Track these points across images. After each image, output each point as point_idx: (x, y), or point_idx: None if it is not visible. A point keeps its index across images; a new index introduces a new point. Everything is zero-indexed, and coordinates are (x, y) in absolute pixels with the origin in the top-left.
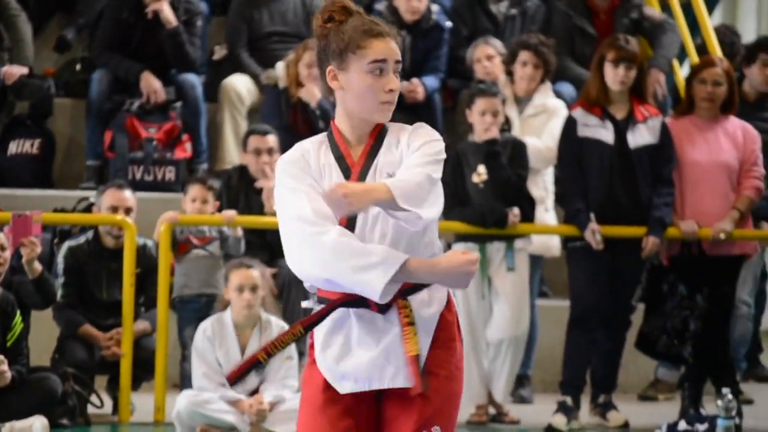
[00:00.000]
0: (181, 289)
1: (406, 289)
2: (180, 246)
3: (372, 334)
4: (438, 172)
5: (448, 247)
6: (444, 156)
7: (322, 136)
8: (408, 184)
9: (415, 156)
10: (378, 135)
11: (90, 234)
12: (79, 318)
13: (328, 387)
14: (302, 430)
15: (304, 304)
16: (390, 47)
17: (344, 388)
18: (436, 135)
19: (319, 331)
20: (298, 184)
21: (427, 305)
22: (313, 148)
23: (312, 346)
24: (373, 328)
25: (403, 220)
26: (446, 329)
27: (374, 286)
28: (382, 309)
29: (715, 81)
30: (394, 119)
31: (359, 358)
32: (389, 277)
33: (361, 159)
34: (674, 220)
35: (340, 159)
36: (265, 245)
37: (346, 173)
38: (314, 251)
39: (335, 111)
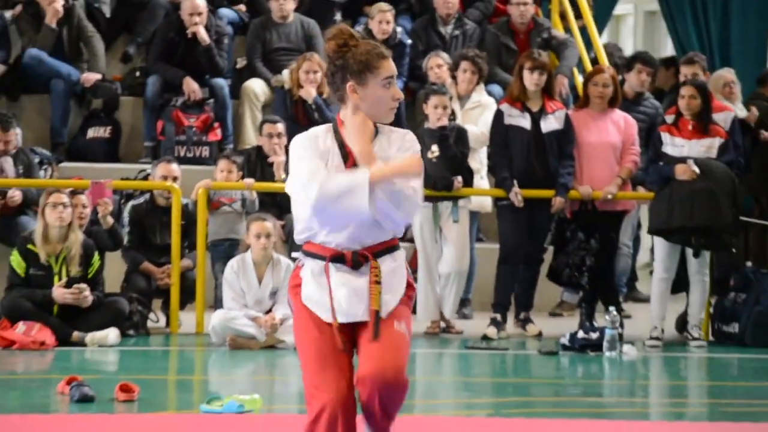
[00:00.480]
0: (213, 236)
1: (376, 252)
2: (213, 204)
3: (348, 282)
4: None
5: None
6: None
7: (328, 126)
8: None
9: None
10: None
11: (147, 196)
12: (140, 257)
13: (312, 313)
14: (300, 340)
15: (294, 254)
16: (392, 65)
17: (328, 318)
18: (417, 145)
19: (306, 277)
20: (306, 155)
21: (393, 275)
22: (321, 134)
23: (296, 286)
24: (349, 277)
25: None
26: (409, 292)
27: (360, 209)
28: (355, 265)
29: (604, 83)
30: None
31: (339, 298)
32: (366, 198)
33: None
34: (574, 185)
35: (341, 146)
36: (275, 204)
37: (345, 159)
38: (309, 198)
39: (340, 110)
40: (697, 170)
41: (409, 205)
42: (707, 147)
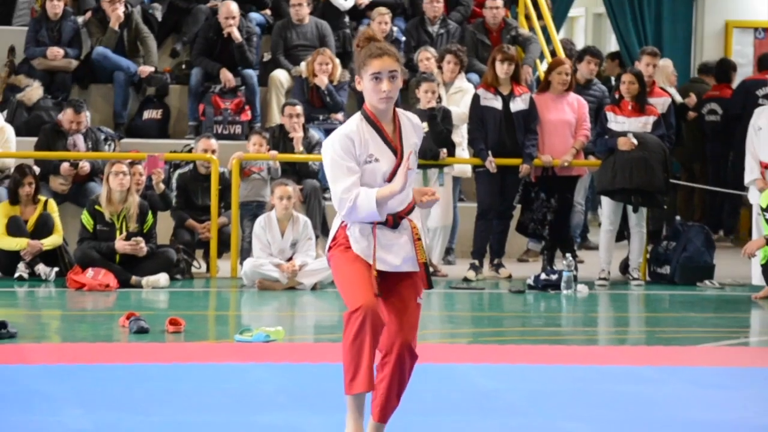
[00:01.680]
0: (243, 198)
1: (407, 212)
2: (245, 172)
3: (390, 239)
4: None
5: None
6: None
7: (357, 116)
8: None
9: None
10: (398, 119)
11: (191, 166)
12: (185, 215)
13: (358, 257)
14: (342, 264)
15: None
16: (383, 62)
17: (378, 266)
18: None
19: (352, 234)
20: (340, 172)
21: (420, 229)
22: (355, 128)
23: (339, 243)
24: (392, 236)
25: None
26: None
27: (374, 216)
28: (395, 226)
29: (566, 72)
30: None
31: (383, 253)
32: (376, 210)
33: (397, 140)
34: (538, 155)
35: (379, 132)
36: (295, 171)
37: (394, 152)
38: (343, 208)
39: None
40: (635, 142)
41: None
42: (644, 123)
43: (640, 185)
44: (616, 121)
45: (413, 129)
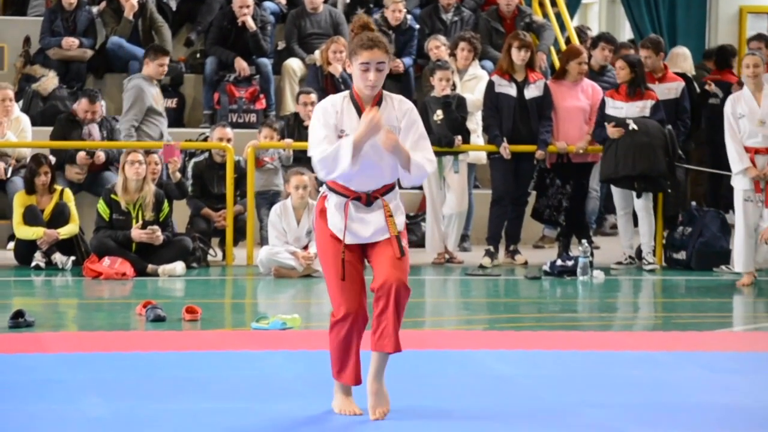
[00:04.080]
0: (258, 188)
1: (383, 193)
2: (258, 162)
3: (363, 214)
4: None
5: None
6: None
7: (345, 93)
8: (422, 170)
9: (417, 136)
10: (379, 100)
11: (206, 154)
12: (201, 204)
13: (334, 235)
14: (323, 255)
15: (321, 189)
16: (373, 54)
17: (347, 239)
18: (414, 111)
19: (329, 207)
20: (318, 124)
21: (397, 209)
22: (338, 101)
23: (322, 211)
24: (363, 211)
25: (403, 173)
26: (405, 223)
27: (345, 163)
28: (368, 203)
29: (584, 61)
30: (387, 86)
31: (355, 226)
32: (349, 158)
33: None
34: (552, 141)
35: (357, 108)
36: (309, 159)
37: (359, 115)
38: (319, 158)
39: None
40: (622, 131)
41: (418, 171)
42: (641, 108)
43: (643, 170)
44: (614, 107)
45: (396, 111)
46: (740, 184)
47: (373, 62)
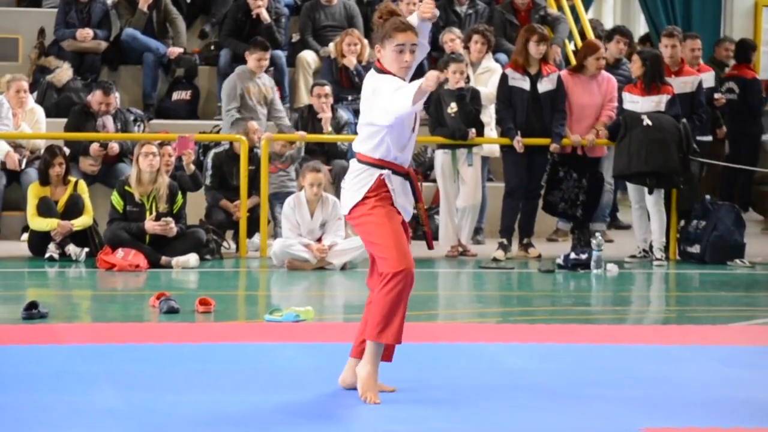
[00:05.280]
0: (272, 189)
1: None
2: (271, 169)
3: (404, 189)
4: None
5: (432, 152)
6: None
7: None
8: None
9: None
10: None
11: (227, 145)
12: (219, 195)
13: (395, 214)
14: (383, 221)
15: (352, 161)
16: (407, 36)
17: (406, 217)
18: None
19: (393, 186)
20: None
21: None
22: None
23: (380, 195)
24: (404, 185)
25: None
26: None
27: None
28: (405, 176)
29: (602, 57)
30: None
31: (401, 200)
32: (411, 98)
33: None
34: (567, 134)
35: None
36: (323, 152)
37: None
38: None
39: (378, 64)
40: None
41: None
42: (656, 102)
43: (655, 167)
44: (631, 101)
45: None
46: None
47: (408, 44)
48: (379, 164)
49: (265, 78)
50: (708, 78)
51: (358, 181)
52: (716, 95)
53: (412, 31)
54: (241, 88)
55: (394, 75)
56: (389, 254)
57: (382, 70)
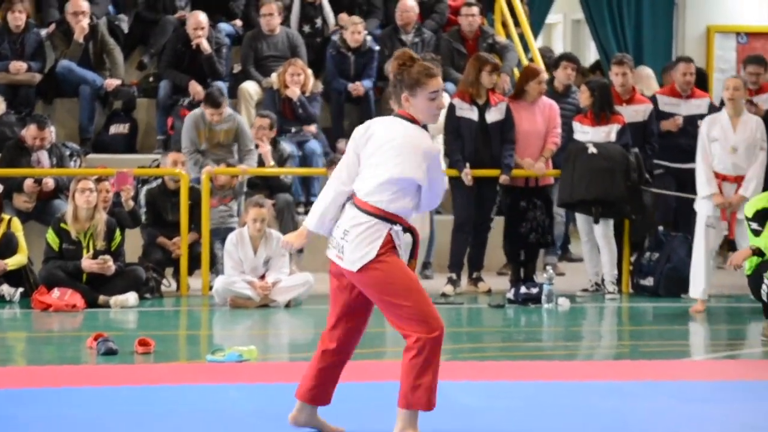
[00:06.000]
0: (213, 225)
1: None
2: (212, 203)
3: (407, 247)
4: None
5: None
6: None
7: (393, 116)
8: None
9: None
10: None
11: (159, 181)
12: (155, 232)
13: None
14: (408, 278)
15: (350, 209)
16: (439, 81)
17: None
18: None
19: (402, 240)
20: (350, 149)
21: None
22: (384, 122)
23: (392, 248)
24: (407, 244)
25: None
26: None
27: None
28: (412, 233)
29: (545, 81)
30: (346, 110)
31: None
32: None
33: None
34: (517, 163)
35: None
36: (266, 186)
37: None
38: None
39: (402, 108)
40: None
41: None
42: (606, 133)
43: (598, 195)
44: (582, 131)
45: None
46: (704, 209)
47: (440, 90)
48: (392, 219)
49: (224, 124)
50: (701, 104)
51: (368, 235)
52: (663, 122)
53: (440, 76)
54: (194, 132)
55: (425, 123)
56: (423, 313)
57: (410, 119)
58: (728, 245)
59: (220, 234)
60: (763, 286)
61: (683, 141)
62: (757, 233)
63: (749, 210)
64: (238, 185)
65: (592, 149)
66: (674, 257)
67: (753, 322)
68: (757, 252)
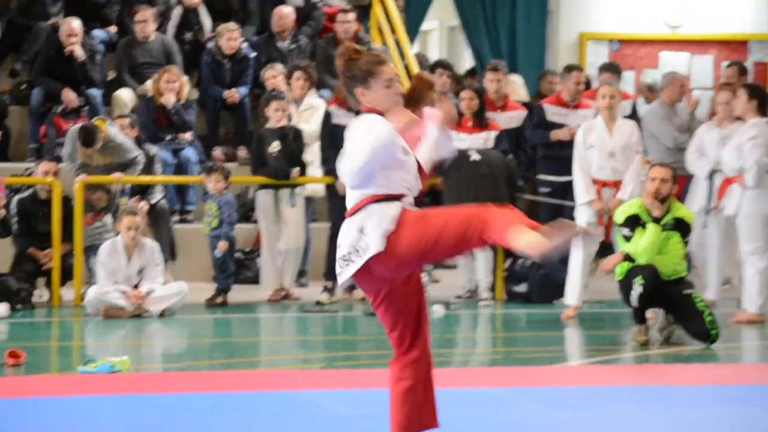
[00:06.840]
0: (87, 241)
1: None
2: (87, 220)
3: None
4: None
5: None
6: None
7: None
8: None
9: None
10: None
11: (31, 190)
12: (26, 243)
13: None
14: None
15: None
16: (390, 67)
17: None
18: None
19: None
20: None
21: None
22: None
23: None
24: None
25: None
26: None
27: None
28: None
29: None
30: (221, 117)
31: None
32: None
33: None
34: None
35: None
36: (141, 190)
37: None
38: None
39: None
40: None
41: None
42: (485, 139)
43: (486, 202)
44: (458, 138)
45: None
46: (583, 216)
47: (395, 75)
48: (391, 198)
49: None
50: (588, 115)
51: (380, 218)
52: (554, 132)
53: (390, 61)
54: (72, 148)
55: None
56: (467, 222)
57: (375, 113)
58: (600, 251)
59: (94, 250)
60: (632, 292)
61: (570, 152)
62: (627, 239)
63: (620, 216)
64: (111, 200)
65: (475, 156)
66: (546, 264)
67: (624, 328)
68: (628, 258)
